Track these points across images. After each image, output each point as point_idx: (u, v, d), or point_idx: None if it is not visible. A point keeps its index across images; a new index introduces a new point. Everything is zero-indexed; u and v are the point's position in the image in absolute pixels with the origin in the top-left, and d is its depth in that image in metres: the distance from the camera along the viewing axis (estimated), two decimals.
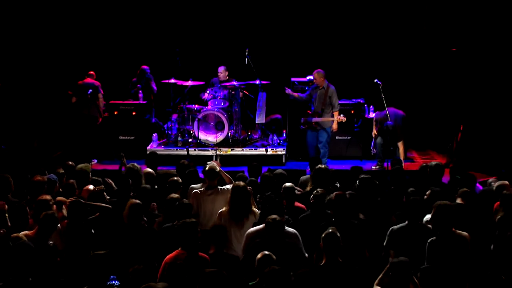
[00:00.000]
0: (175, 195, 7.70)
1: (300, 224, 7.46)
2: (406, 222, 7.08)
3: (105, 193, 8.12)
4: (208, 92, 13.18)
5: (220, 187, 8.25)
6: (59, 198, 7.81)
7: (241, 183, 7.66)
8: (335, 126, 12.33)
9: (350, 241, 6.81)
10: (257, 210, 7.65)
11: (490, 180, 9.08)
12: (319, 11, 14.67)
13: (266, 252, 6.15)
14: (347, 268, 6.31)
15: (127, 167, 8.93)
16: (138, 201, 7.36)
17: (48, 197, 7.62)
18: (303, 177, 9.41)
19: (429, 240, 6.73)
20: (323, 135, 12.34)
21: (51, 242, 6.84)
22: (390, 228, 7.10)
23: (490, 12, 13.17)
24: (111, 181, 9.19)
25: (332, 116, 12.30)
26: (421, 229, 7.03)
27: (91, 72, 13.18)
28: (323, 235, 6.36)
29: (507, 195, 7.49)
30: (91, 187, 8.39)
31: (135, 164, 9.03)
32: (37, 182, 8.23)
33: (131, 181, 8.42)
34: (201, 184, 8.58)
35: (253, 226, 7.30)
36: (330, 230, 6.38)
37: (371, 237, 7.32)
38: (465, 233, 6.82)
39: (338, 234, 6.35)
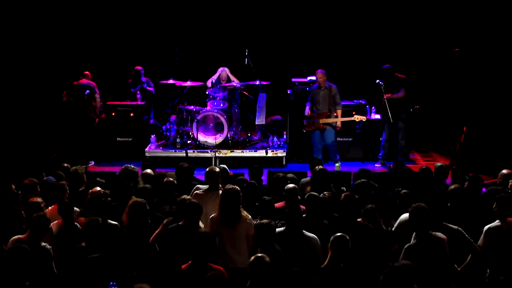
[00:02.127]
0: (187, 196, 7.54)
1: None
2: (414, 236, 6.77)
3: (108, 198, 7.99)
4: (211, 80, 13.23)
5: (222, 189, 8.08)
6: (36, 199, 7.66)
7: (231, 186, 7.50)
8: (339, 124, 12.24)
9: (357, 243, 6.71)
10: (248, 215, 7.46)
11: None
12: (320, 10, 14.59)
13: (259, 255, 6.07)
14: (348, 273, 6.23)
15: (123, 169, 8.77)
16: (141, 199, 7.24)
17: (39, 199, 7.57)
18: (303, 179, 9.27)
19: (406, 246, 6.63)
20: (331, 135, 12.26)
21: (44, 243, 6.79)
22: (405, 246, 6.79)
23: (493, 12, 13.13)
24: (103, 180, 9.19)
25: (336, 115, 12.26)
26: (431, 240, 6.72)
27: (86, 72, 13.09)
28: (332, 238, 6.32)
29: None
30: (98, 189, 8.19)
31: (131, 165, 8.91)
32: (26, 185, 8.20)
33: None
34: (207, 186, 8.47)
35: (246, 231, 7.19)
36: (340, 234, 6.33)
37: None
38: (442, 235, 6.72)
39: (348, 238, 6.31)
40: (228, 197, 7.33)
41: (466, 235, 6.93)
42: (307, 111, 12.31)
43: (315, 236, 6.96)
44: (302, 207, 7.99)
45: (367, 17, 14.43)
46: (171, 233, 7.08)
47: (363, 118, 12.29)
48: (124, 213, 7.18)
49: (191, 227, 7.01)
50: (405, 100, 12.47)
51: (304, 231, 6.95)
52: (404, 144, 12.61)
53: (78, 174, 8.77)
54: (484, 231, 7.05)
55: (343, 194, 7.34)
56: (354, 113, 12.62)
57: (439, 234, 6.67)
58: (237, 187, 7.47)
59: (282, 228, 7.01)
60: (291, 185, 8.03)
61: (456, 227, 6.97)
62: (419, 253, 6.48)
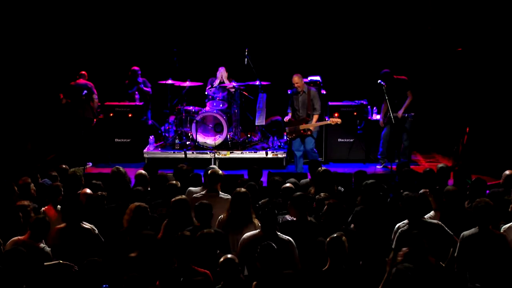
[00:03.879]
0: (182, 196, 7.48)
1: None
2: (477, 228, 6.79)
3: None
4: (209, 87, 13.11)
5: (221, 193, 8.04)
6: (23, 202, 7.61)
7: (242, 189, 7.42)
8: (312, 128, 11.67)
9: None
10: (258, 221, 7.35)
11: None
12: (321, 10, 14.50)
13: (229, 256, 6.02)
14: (350, 275, 6.14)
15: (112, 171, 8.66)
16: (144, 204, 7.17)
17: (26, 202, 7.56)
18: (303, 180, 9.21)
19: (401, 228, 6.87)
20: (310, 141, 11.76)
21: (43, 245, 6.79)
22: (462, 234, 6.83)
23: (497, 12, 13.02)
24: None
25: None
26: (492, 236, 6.75)
27: (83, 72, 13.00)
28: (328, 239, 6.23)
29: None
30: (88, 190, 8.21)
31: (120, 167, 8.86)
32: (21, 186, 8.19)
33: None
34: (200, 187, 8.42)
35: None
36: (336, 235, 6.25)
37: (371, 246, 7.14)
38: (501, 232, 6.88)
39: (344, 239, 6.21)
40: (239, 201, 7.25)
41: (447, 229, 6.99)
42: (288, 117, 11.82)
43: (290, 238, 6.81)
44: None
45: (368, 16, 14.34)
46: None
47: (338, 121, 11.75)
48: (124, 216, 7.11)
49: (203, 228, 6.90)
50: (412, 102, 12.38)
51: (279, 234, 6.79)
52: (407, 145, 12.52)
53: (76, 176, 8.69)
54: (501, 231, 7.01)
55: (326, 202, 7.20)
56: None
57: (498, 231, 6.83)
58: (248, 191, 7.38)
59: (256, 231, 6.87)
60: (287, 184, 7.98)
61: (436, 221, 7.07)
62: (479, 247, 6.57)
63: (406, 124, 12.35)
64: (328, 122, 11.81)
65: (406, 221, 7.08)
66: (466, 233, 6.72)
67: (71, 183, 8.58)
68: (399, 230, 6.97)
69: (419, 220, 7.00)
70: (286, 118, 11.86)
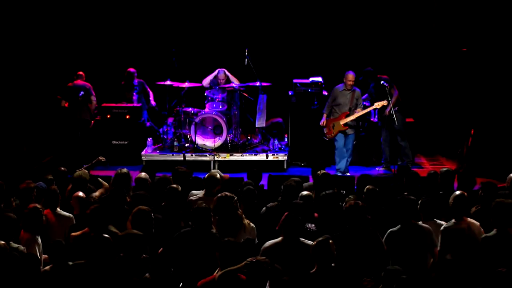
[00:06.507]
0: (195, 197, 7.52)
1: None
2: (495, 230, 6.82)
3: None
4: (210, 78, 13.03)
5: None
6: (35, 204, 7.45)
7: (226, 193, 7.34)
8: (356, 116, 11.90)
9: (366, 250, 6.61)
10: (251, 224, 7.28)
11: None
12: (322, 9, 14.40)
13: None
14: (339, 274, 6.10)
15: (116, 173, 8.53)
16: (146, 207, 7.03)
17: (39, 205, 7.39)
18: (305, 184, 9.02)
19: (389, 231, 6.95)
20: (350, 141, 12.00)
21: (15, 245, 6.65)
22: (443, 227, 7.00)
23: (502, 11, 12.96)
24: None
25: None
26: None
27: (80, 73, 12.92)
28: (313, 242, 6.18)
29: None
30: (81, 194, 8.07)
31: (124, 169, 8.70)
32: (23, 189, 8.01)
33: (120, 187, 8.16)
34: (202, 191, 8.34)
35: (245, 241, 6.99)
36: (322, 238, 6.17)
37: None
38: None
39: (331, 242, 6.14)
40: (222, 205, 7.16)
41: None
42: (323, 120, 12.03)
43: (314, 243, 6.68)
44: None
45: (370, 16, 14.24)
46: (183, 238, 6.85)
47: (384, 103, 11.84)
48: (128, 221, 7.02)
49: (203, 232, 6.82)
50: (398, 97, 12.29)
51: (302, 239, 6.67)
52: (406, 145, 12.34)
53: (82, 179, 8.53)
54: None
55: (347, 203, 7.05)
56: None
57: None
58: (232, 194, 7.29)
59: (279, 239, 6.70)
60: (305, 192, 7.82)
61: (426, 225, 7.07)
62: (497, 247, 6.65)
63: (395, 125, 12.09)
64: (373, 107, 11.99)
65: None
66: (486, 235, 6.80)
67: (77, 187, 8.39)
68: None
69: (410, 224, 6.99)
70: (322, 121, 12.04)
